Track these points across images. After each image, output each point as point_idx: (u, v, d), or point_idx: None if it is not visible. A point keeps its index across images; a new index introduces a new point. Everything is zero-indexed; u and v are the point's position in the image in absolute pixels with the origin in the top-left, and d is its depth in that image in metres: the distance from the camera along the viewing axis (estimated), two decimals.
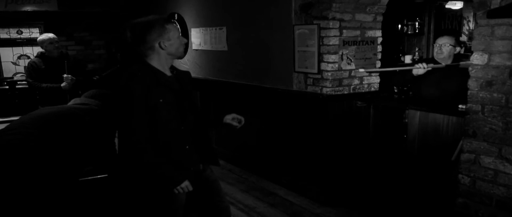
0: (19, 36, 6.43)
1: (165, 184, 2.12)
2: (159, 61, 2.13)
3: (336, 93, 3.63)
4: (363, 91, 3.83)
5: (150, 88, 2.03)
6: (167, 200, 2.18)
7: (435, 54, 3.59)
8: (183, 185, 2.12)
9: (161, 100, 2.05)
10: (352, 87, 3.75)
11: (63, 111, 2.47)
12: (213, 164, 2.43)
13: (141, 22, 2.09)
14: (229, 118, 2.42)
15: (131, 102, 2.01)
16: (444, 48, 3.50)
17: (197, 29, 5.21)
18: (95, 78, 4.94)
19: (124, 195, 2.44)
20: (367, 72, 3.77)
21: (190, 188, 2.16)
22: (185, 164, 2.16)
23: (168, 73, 2.18)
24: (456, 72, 3.43)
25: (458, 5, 5.79)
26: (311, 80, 3.73)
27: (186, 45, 5.48)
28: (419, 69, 3.43)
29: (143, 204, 2.18)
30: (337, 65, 3.58)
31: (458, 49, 3.56)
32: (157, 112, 2.05)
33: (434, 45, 3.63)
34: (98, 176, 2.40)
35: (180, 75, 2.28)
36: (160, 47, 2.09)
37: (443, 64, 3.51)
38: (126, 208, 2.47)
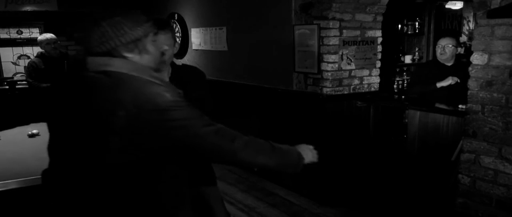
0: (19, 36, 6.43)
1: None
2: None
3: (336, 93, 3.63)
4: (363, 91, 3.83)
5: None
6: None
7: (438, 55, 3.68)
8: None
9: None
10: (352, 87, 3.75)
11: None
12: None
13: None
14: None
15: None
16: (447, 49, 3.60)
17: (197, 29, 5.21)
18: None
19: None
20: None
21: None
22: None
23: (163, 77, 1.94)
24: (460, 72, 3.53)
25: (458, 5, 5.79)
26: (311, 80, 3.73)
27: (186, 47, 5.48)
28: (447, 81, 3.57)
29: None
30: (337, 65, 3.58)
31: (459, 49, 3.67)
32: None
33: (437, 46, 3.70)
34: None
35: (180, 80, 1.97)
36: None
37: (448, 64, 3.63)
38: None
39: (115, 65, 1.31)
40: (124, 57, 1.32)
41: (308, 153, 1.69)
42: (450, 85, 3.57)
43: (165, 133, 1.26)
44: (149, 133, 1.25)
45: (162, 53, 1.46)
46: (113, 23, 1.30)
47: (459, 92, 3.51)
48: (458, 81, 3.51)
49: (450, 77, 3.55)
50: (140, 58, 1.35)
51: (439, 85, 3.60)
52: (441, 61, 3.68)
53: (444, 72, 3.63)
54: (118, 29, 1.30)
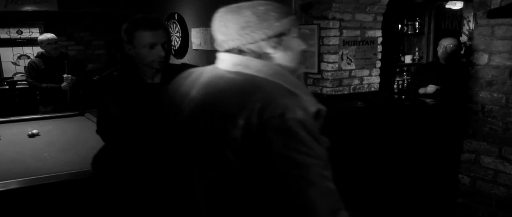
0: (19, 36, 6.43)
1: None
2: (137, 66, 1.92)
3: (336, 93, 3.63)
4: (363, 91, 3.83)
5: (111, 93, 1.89)
6: None
7: (440, 55, 3.69)
8: None
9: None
10: (352, 87, 3.75)
11: None
12: None
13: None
14: None
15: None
16: (449, 49, 3.61)
17: (197, 29, 5.21)
18: (95, 78, 4.94)
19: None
20: None
21: None
22: None
23: (150, 79, 1.95)
24: (455, 70, 3.55)
25: (458, 5, 5.79)
26: (311, 80, 3.73)
27: (186, 47, 5.47)
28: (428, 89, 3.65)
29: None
30: (337, 65, 3.58)
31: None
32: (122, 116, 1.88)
33: (438, 46, 3.72)
34: None
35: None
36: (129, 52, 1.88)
37: (447, 64, 3.66)
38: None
39: (253, 67, 1.09)
40: (266, 54, 1.11)
41: None
42: (441, 82, 3.60)
43: (270, 161, 0.95)
44: (256, 155, 0.96)
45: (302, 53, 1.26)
46: (258, 12, 1.10)
47: (452, 89, 3.58)
48: (438, 87, 3.57)
49: (429, 86, 3.61)
50: (282, 56, 1.14)
51: (421, 91, 3.66)
52: (442, 61, 3.70)
53: (443, 72, 3.64)
54: (264, 20, 1.10)
